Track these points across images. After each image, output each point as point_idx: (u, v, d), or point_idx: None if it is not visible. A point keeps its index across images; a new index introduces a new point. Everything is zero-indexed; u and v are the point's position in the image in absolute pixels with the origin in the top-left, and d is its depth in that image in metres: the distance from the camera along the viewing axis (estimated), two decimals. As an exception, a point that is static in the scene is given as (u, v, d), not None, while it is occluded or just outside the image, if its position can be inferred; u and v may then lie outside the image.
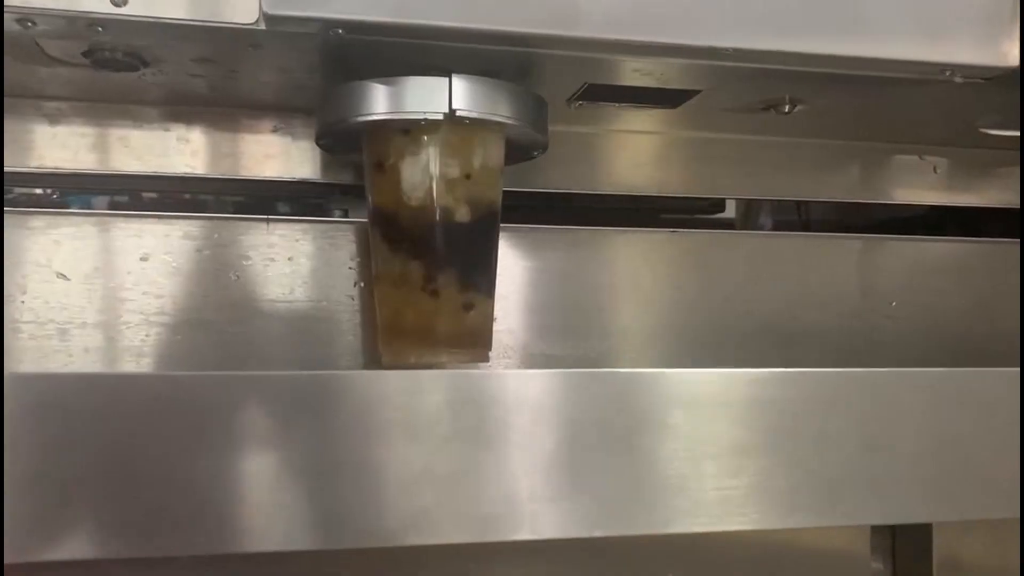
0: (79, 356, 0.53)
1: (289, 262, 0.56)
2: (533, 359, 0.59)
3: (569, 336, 0.60)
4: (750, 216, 0.69)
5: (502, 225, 0.51)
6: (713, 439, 0.40)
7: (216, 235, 0.55)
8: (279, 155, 0.56)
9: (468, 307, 0.48)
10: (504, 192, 0.58)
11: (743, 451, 0.40)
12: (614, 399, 0.40)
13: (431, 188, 0.47)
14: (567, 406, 0.39)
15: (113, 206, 0.57)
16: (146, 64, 0.46)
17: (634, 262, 0.62)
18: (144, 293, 0.54)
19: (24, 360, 0.52)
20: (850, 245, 0.65)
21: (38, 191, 0.55)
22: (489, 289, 0.49)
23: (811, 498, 0.40)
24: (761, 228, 0.69)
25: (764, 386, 0.41)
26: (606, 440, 0.39)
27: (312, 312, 0.56)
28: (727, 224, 0.68)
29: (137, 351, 0.54)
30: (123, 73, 0.47)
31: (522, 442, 0.38)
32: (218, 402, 0.39)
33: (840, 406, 0.41)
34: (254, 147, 0.56)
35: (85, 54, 0.45)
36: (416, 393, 0.38)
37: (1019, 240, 0.63)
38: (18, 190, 0.54)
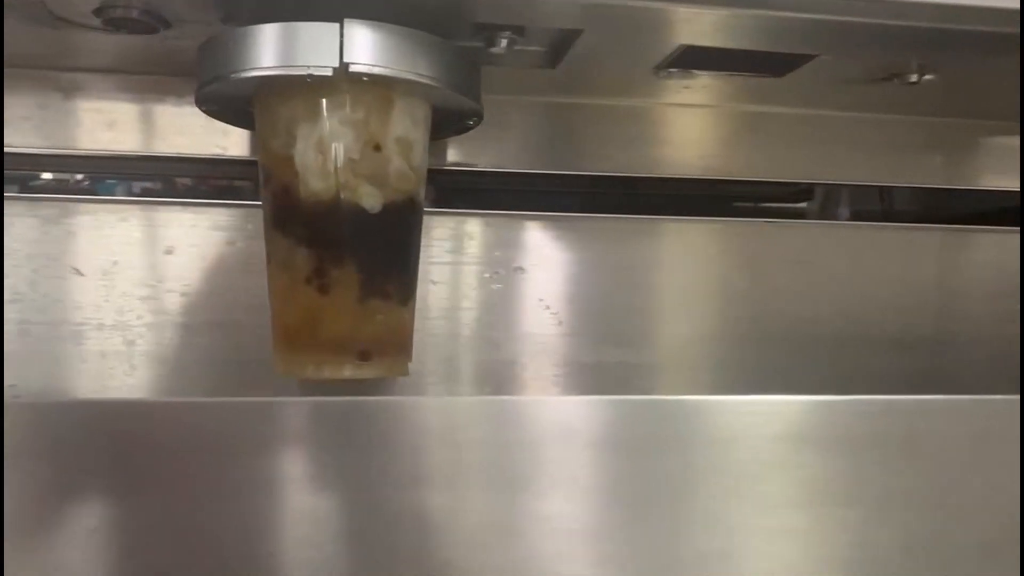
0: (94, 362, 0.47)
1: (331, 256, 0.50)
2: (586, 369, 0.52)
3: (628, 341, 0.53)
4: (831, 204, 0.61)
5: (551, 214, 0.44)
6: (835, 482, 0.32)
7: (249, 225, 0.49)
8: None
9: (371, 310, 0.40)
10: (554, 176, 0.51)
11: (887, 497, 0.32)
12: (695, 432, 0.32)
13: (326, 161, 0.39)
14: (633, 441, 0.32)
15: (134, 192, 0.50)
16: (167, 25, 0.39)
17: (704, 256, 0.54)
18: (168, 291, 0.48)
19: (33, 365, 0.46)
20: (973, 239, 0.56)
21: (48, 175, 0.49)
22: (403, 289, 0.41)
23: (969, 558, 0.33)
24: (844, 218, 0.61)
25: (904, 416, 0.33)
26: (687, 484, 0.32)
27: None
28: (802, 214, 0.60)
29: (158, 356, 0.48)
30: (141, 36, 0.40)
31: (574, 486, 0.31)
32: (219, 431, 0.33)
33: (1005, 441, 0.33)
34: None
35: (96, 12, 0.38)
36: (454, 425, 0.31)
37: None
38: (26, 173, 0.48)
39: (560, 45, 0.42)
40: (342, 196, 0.39)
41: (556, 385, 0.52)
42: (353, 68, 0.37)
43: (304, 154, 0.39)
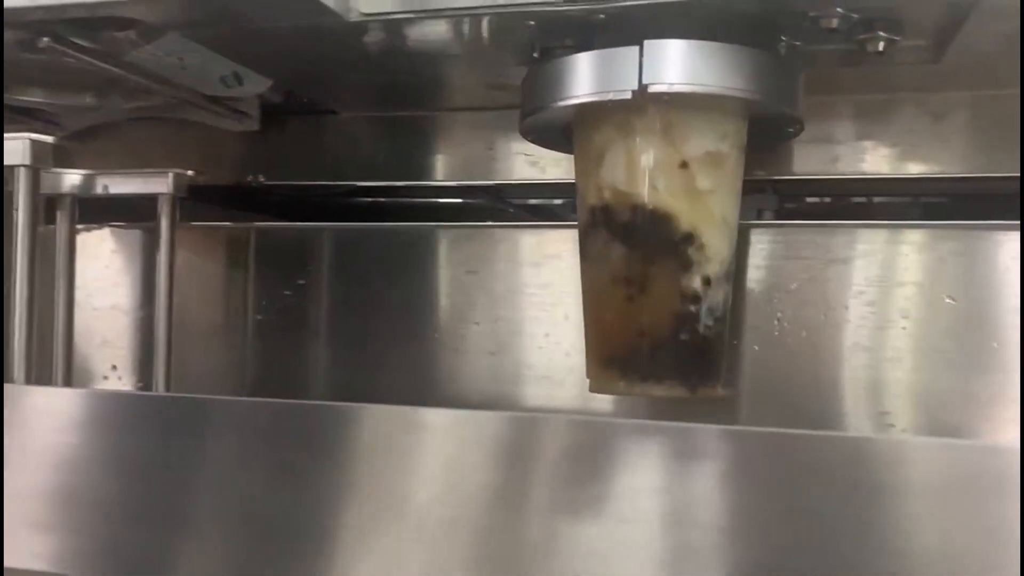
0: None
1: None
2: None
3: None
4: None
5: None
6: None
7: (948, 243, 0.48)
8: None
9: (680, 330, 0.42)
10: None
11: None
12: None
13: (633, 181, 0.42)
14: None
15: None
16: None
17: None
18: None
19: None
20: None
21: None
22: (714, 304, 0.43)
23: None
24: None
25: None
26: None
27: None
28: None
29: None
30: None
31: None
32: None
33: None
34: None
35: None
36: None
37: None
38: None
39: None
40: (649, 215, 0.41)
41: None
42: (652, 89, 0.39)
43: (612, 174, 0.42)
